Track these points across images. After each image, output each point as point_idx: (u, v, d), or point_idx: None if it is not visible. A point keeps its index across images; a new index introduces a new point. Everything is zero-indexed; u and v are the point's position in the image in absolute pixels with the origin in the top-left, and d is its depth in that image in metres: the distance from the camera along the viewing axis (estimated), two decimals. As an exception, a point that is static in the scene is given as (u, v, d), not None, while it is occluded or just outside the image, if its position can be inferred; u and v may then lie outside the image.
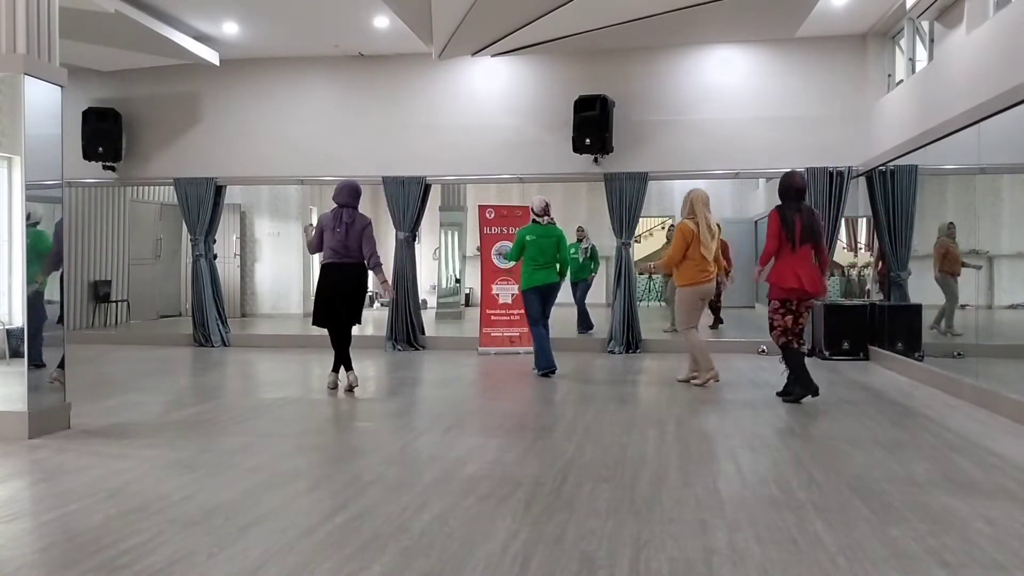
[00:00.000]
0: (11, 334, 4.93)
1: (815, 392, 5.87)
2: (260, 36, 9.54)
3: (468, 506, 3.38)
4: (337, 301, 6.27)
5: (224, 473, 3.95)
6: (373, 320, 12.58)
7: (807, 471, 3.97)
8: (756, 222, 15.68)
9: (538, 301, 7.30)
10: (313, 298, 6.46)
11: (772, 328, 6.01)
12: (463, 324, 13.02)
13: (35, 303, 4.88)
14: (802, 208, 5.91)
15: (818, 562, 2.76)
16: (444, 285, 14.82)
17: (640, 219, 9.91)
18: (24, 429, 4.66)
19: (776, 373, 6.42)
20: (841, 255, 11.86)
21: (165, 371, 8.06)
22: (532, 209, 7.47)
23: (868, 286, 11.17)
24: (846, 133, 9.13)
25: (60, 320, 5.09)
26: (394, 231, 10.06)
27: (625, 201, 9.43)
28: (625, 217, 9.44)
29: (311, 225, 6.77)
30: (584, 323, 10.84)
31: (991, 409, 5.56)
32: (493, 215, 9.52)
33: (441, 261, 14.86)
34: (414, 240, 10.07)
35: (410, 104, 10.05)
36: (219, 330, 10.33)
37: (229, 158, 10.41)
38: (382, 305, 14.76)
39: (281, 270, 14.94)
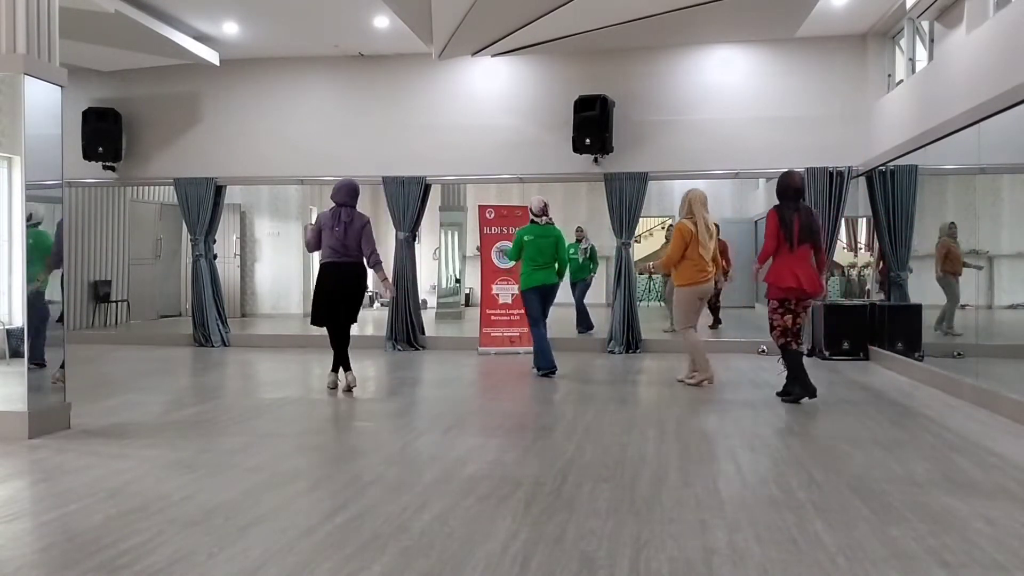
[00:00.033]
0: (11, 334, 4.93)
1: (813, 394, 5.87)
2: (260, 36, 9.54)
3: (468, 506, 3.38)
4: (336, 300, 6.28)
5: (224, 473, 3.95)
6: (373, 320, 12.60)
7: (807, 471, 3.97)
8: (756, 222, 15.67)
9: (538, 301, 7.31)
10: (312, 298, 6.47)
11: (772, 328, 6.01)
12: (463, 324, 13.01)
13: (36, 302, 4.89)
14: (800, 208, 5.90)
15: (818, 562, 2.76)
16: (444, 285, 14.81)
17: (640, 219, 9.91)
18: (24, 429, 4.67)
19: (776, 373, 6.42)
20: (841, 255, 11.85)
21: (165, 371, 8.06)
22: (530, 209, 7.48)
23: (868, 286, 11.17)
24: (846, 133, 9.12)
25: (60, 320, 5.09)
26: (394, 231, 10.06)
27: (625, 201, 9.43)
28: (625, 217, 9.45)
29: (311, 225, 6.77)
30: (584, 323, 10.84)
31: (991, 409, 5.56)
32: (493, 215, 9.52)
33: (441, 261, 14.86)
34: (414, 240, 10.07)
35: (410, 104, 10.04)
36: (219, 330, 10.33)
37: (229, 158, 10.41)
38: (382, 304, 14.76)
39: (281, 270, 14.93)
